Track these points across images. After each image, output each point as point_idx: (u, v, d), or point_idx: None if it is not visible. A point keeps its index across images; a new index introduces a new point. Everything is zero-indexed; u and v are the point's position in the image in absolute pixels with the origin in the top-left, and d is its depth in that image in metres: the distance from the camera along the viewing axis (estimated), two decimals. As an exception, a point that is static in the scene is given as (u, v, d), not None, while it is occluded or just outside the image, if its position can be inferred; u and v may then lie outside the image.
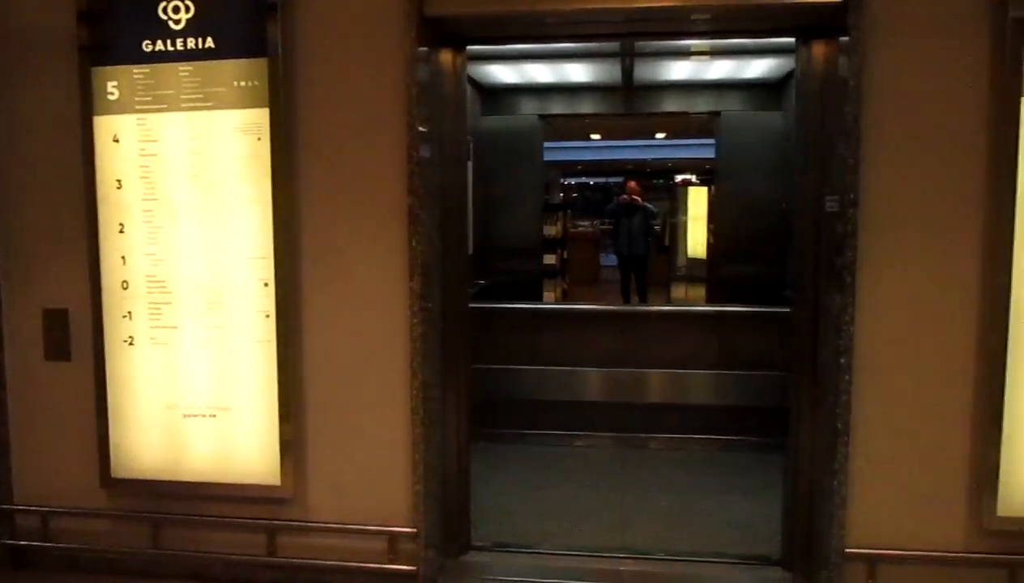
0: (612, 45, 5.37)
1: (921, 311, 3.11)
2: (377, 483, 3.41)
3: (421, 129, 3.23)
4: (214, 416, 3.40)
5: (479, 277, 6.68)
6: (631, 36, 4.34)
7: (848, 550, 3.18)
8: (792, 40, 3.47)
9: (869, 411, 3.15)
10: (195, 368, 3.39)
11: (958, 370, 3.11)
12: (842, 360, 3.11)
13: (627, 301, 10.74)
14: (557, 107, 7.10)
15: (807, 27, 3.35)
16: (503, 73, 6.47)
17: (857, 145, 3.05)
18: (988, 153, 3.01)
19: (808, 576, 3.47)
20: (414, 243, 3.25)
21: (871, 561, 3.18)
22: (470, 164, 5.71)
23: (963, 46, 3.02)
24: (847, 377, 3.12)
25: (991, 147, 3.00)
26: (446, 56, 3.55)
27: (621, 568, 3.68)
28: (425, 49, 3.29)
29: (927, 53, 3.03)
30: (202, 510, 3.50)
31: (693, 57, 5.91)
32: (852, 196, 3.05)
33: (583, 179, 24.54)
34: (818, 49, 3.34)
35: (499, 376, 5.58)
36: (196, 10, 3.25)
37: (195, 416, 3.42)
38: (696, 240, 11.29)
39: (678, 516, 4.37)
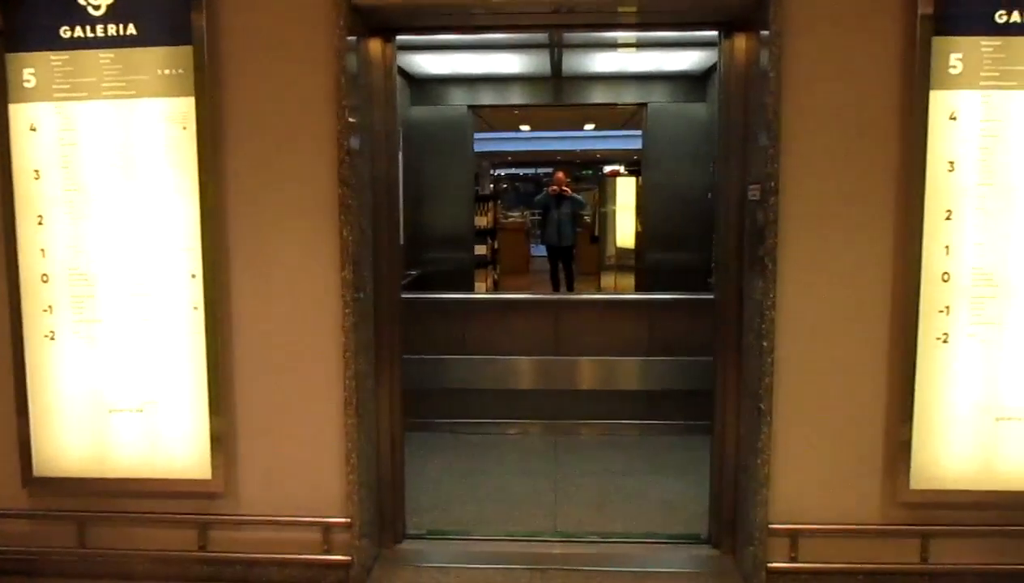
0: (540, 36, 5.41)
1: (839, 295, 3.24)
2: (310, 474, 3.40)
3: (351, 119, 3.23)
4: (141, 411, 3.34)
5: (411, 267, 6.68)
6: (558, 28, 4.39)
7: (772, 526, 3.31)
8: (715, 33, 3.56)
9: (790, 392, 3.27)
10: (121, 362, 3.33)
11: (873, 350, 3.25)
12: (764, 343, 3.22)
13: (556, 290, 10.86)
14: (487, 98, 7.11)
15: (729, 21, 3.44)
16: (433, 63, 6.45)
17: (777, 135, 3.15)
18: (901, 143, 3.15)
19: (735, 553, 3.60)
20: (345, 233, 3.24)
21: (793, 536, 3.31)
22: (401, 154, 5.70)
23: (877, 40, 3.14)
24: (769, 360, 3.23)
25: (904, 137, 3.14)
26: (375, 45, 3.54)
27: (554, 551, 3.76)
28: (354, 38, 3.28)
29: (843, 47, 3.15)
30: (130, 507, 3.44)
31: (620, 49, 5.99)
32: (773, 185, 3.16)
33: (513, 170, 24.63)
34: (739, 42, 3.45)
35: (432, 366, 5.59)
36: (117, -5, 3.17)
37: (121, 411, 3.35)
38: (625, 230, 11.45)
39: (610, 499, 4.46)
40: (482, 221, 10.73)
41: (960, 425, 3.19)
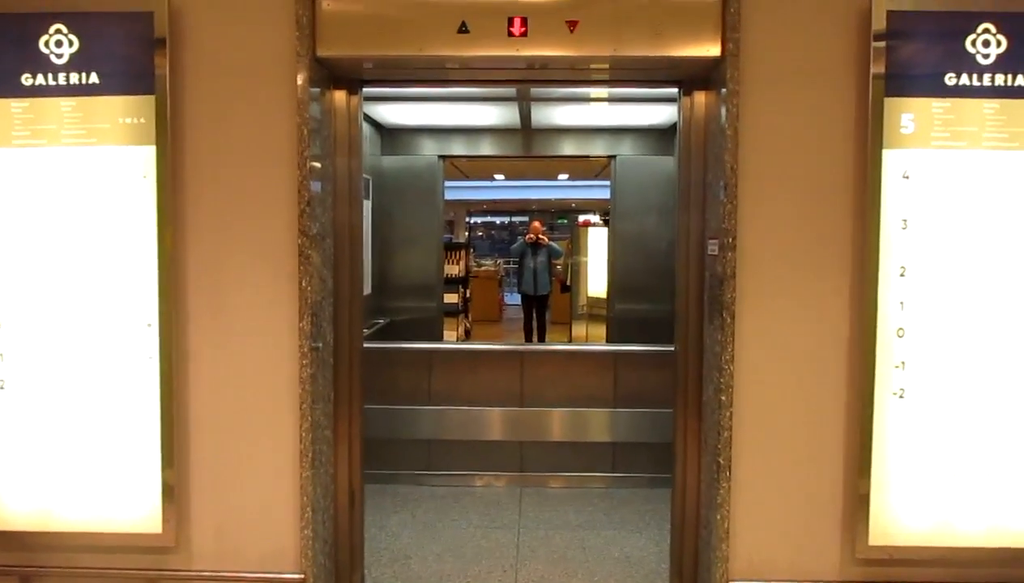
0: (509, 90, 5.49)
1: (797, 350, 3.26)
2: (263, 528, 3.33)
3: (313, 168, 3.23)
4: (90, 463, 3.27)
5: (378, 316, 6.66)
6: (530, 82, 4.45)
7: (731, 582, 3.27)
8: (676, 90, 3.62)
9: (749, 446, 3.27)
10: (71, 413, 3.26)
11: (831, 405, 3.26)
12: (723, 397, 3.23)
13: (528, 339, 10.87)
14: (457, 148, 7.17)
15: (688, 79, 3.51)
16: (403, 114, 6.51)
17: (734, 192, 3.19)
18: (856, 201, 3.20)
19: (695, 609, 3.56)
20: (304, 283, 3.22)
21: (753, 592, 3.29)
22: (368, 203, 5.73)
23: (832, 100, 3.21)
24: (728, 414, 3.23)
25: (858, 195, 3.19)
26: (340, 97, 3.56)
27: (514, 608, 3.70)
28: (317, 89, 3.30)
29: (799, 105, 3.21)
30: (78, 562, 3.34)
31: (590, 104, 6.08)
32: (730, 240, 3.19)
33: (489, 218, 24.81)
34: (699, 99, 3.51)
35: (397, 416, 5.54)
36: (80, 45, 3.17)
37: (70, 463, 3.28)
38: (597, 279, 11.52)
39: (572, 553, 4.41)
40: (454, 269, 10.75)
41: (917, 480, 3.20)
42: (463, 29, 3.21)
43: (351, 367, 3.62)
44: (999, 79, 3.11)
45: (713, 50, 3.20)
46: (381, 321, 6.62)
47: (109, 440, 3.26)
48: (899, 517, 3.21)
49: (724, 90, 3.21)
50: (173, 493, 3.26)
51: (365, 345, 3.70)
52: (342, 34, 3.23)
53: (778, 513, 3.30)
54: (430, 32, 3.21)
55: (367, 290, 5.43)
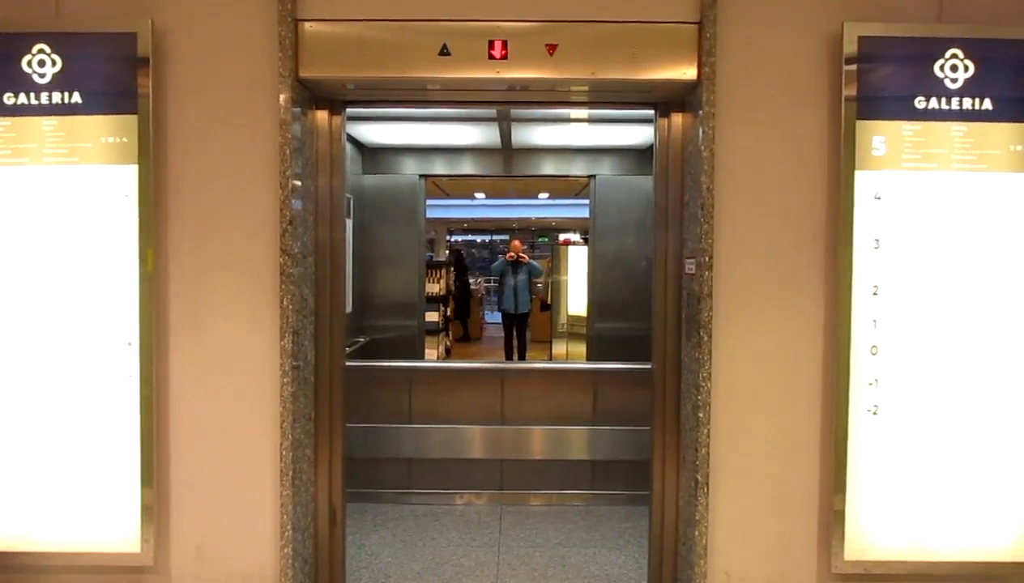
0: (489, 111, 5.54)
1: (773, 367, 3.31)
2: (244, 547, 3.33)
3: (295, 187, 3.26)
4: (69, 483, 3.25)
5: (360, 334, 6.66)
6: (508, 104, 4.49)
7: (710, 598, 3.31)
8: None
9: (726, 463, 3.31)
10: (50, 433, 3.25)
11: (807, 421, 3.32)
12: (700, 415, 3.27)
13: (509, 358, 10.90)
14: (438, 167, 7.23)
15: (665, 101, 3.57)
16: (384, 134, 6.56)
17: (711, 211, 3.25)
18: (829, 221, 3.27)
19: (674, 626, 3.58)
20: (285, 302, 3.24)
21: (731, 608, 3.32)
22: (349, 221, 5.74)
23: (805, 121, 3.29)
24: (705, 431, 3.27)
25: (832, 215, 3.26)
26: (322, 117, 3.60)
27: (494, 626, 3.70)
28: (299, 110, 3.34)
29: (773, 127, 3.29)
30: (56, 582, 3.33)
31: (569, 123, 6.15)
32: (707, 259, 3.25)
33: (470, 236, 24.85)
34: (676, 121, 3.58)
35: (379, 435, 5.53)
36: (63, 65, 3.19)
37: (49, 483, 3.26)
38: (577, 298, 11.58)
39: (552, 571, 4.41)
40: (435, 287, 10.77)
41: (892, 497, 3.25)
42: (444, 52, 3.26)
43: (332, 386, 3.63)
44: (967, 103, 3.20)
45: (689, 73, 3.27)
46: (362, 339, 6.62)
47: (88, 460, 3.25)
48: (874, 532, 3.26)
49: (701, 112, 3.27)
50: (152, 513, 3.25)
51: (346, 364, 3.72)
52: (324, 56, 3.27)
53: (755, 529, 3.34)
54: (412, 54, 3.26)
55: (348, 308, 5.43)
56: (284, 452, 3.27)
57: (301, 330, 3.35)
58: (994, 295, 3.22)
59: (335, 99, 3.60)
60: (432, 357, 9.81)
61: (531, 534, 5.02)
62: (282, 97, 3.22)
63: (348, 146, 6.03)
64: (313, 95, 3.49)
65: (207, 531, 3.33)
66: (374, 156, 7.11)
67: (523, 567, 4.48)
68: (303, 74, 3.27)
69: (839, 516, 3.25)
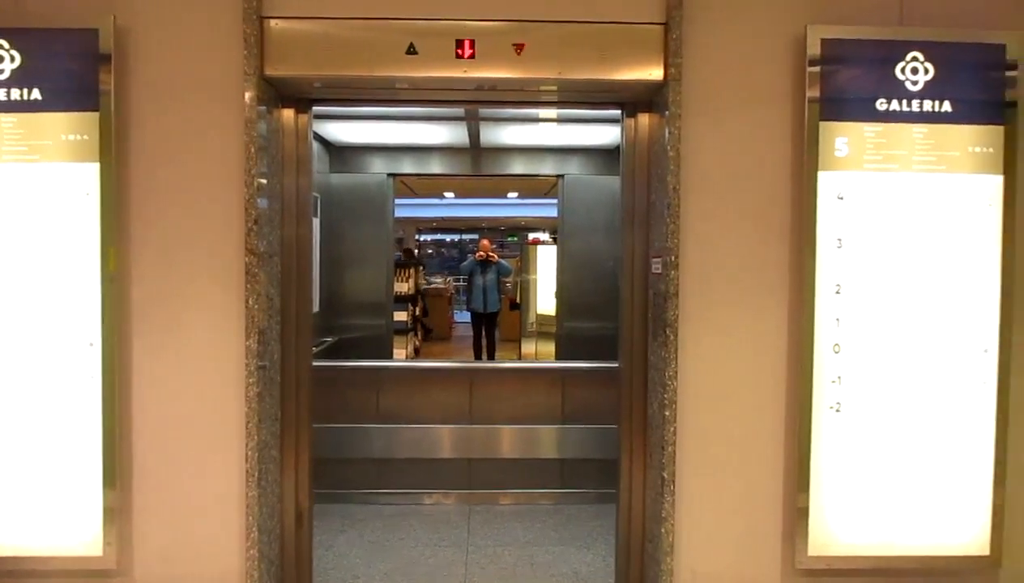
0: (458, 110, 5.54)
1: (738, 366, 3.34)
2: (209, 550, 3.30)
3: (260, 186, 3.23)
4: (28, 484, 3.20)
5: (328, 334, 6.63)
6: (476, 103, 4.49)
7: (676, 595, 3.34)
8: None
9: (693, 461, 3.34)
10: (9, 434, 3.19)
11: (771, 419, 3.35)
12: (667, 413, 3.29)
13: (478, 357, 10.90)
14: (407, 166, 7.21)
15: (632, 101, 3.59)
16: (352, 133, 6.53)
17: (677, 211, 3.28)
18: (793, 221, 3.31)
19: (641, 623, 3.60)
20: (250, 302, 3.21)
21: (698, 605, 3.35)
22: (317, 221, 5.71)
23: (770, 122, 3.33)
24: (672, 429, 3.30)
25: (796, 215, 3.30)
26: (289, 115, 3.57)
27: (462, 625, 3.70)
28: (265, 108, 3.31)
29: (739, 127, 3.32)
30: (15, 587, 3.27)
31: (538, 123, 6.16)
32: (673, 258, 3.27)
33: (439, 235, 24.79)
34: (642, 121, 3.59)
35: (347, 435, 5.51)
36: (22, 60, 3.14)
37: (8, 486, 3.20)
38: (546, 297, 11.61)
39: (521, 570, 4.43)
40: (403, 287, 10.73)
41: (854, 493, 3.30)
42: (412, 51, 3.25)
43: (299, 386, 3.60)
44: (927, 105, 3.25)
45: (656, 74, 3.29)
46: (330, 339, 6.59)
47: (50, 462, 3.19)
48: (837, 528, 3.30)
49: (667, 113, 3.29)
50: (114, 515, 3.21)
51: (314, 364, 3.69)
52: (290, 54, 3.25)
53: (721, 526, 3.37)
54: (379, 53, 3.25)
55: (316, 308, 5.40)
56: (250, 453, 3.24)
57: (267, 330, 3.33)
58: (953, 294, 3.28)
59: (301, 97, 3.57)
60: (401, 357, 9.78)
61: (500, 533, 5.03)
62: (247, 95, 3.19)
63: (315, 145, 6.00)
64: (279, 93, 3.47)
65: (171, 533, 3.29)
66: (342, 155, 7.08)
67: (492, 566, 4.48)
68: (269, 72, 3.24)
69: (803, 513, 3.29)
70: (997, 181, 3.27)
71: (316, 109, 3.69)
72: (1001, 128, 3.27)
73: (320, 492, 4.63)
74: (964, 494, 3.32)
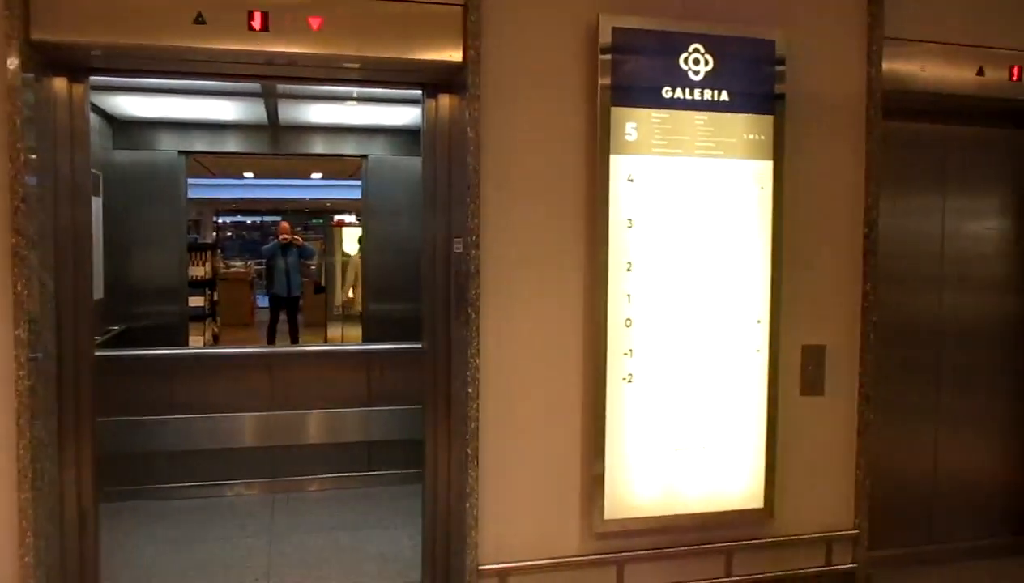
0: (254, 86, 5.32)
1: (538, 342, 3.45)
2: (-24, 559, 3.01)
3: (28, 161, 2.95)
4: None
5: (116, 322, 6.18)
6: (270, 79, 4.34)
7: (482, 567, 3.41)
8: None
9: (496, 436, 3.41)
10: None
11: (569, 392, 3.49)
12: (470, 390, 3.35)
13: (271, 342, 10.63)
14: (200, 144, 6.84)
15: (432, 82, 3.59)
16: (138, 106, 6.10)
17: (478, 192, 3.32)
18: (588, 202, 3.44)
19: (448, 597, 3.66)
20: (19, 288, 2.94)
21: (502, 575, 3.43)
22: (98, 200, 5.31)
23: (566, 106, 3.43)
24: (475, 406, 3.36)
25: (590, 196, 3.44)
26: (61, 84, 3.27)
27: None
28: (32, 76, 3.02)
29: (537, 110, 3.40)
30: None
31: (340, 102, 6.03)
32: (474, 238, 3.32)
33: (239, 218, 23.82)
34: (443, 102, 3.60)
35: (140, 428, 5.19)
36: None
37: None
38: (351, 279, 11.45)
39: (327, 555, 4.37)
40: (199, 271, 10.22)
41: (646, 458, 3.50)
42: (200, 20, 3.07)
43: (79, 378, 3.33)
44: (707, 94, 3.48)
45: (455, 56, 3.31)
46: (117, 328, 6.15)
47: None
48: (631, 492, 3.50)
49: (467, 95, 3.32)
50: None
51: (98, 354, 3.44)
52: (60, 17, 2.97)
53: (524, 497, 3.47)
54: (164, 21, 3.04)
55: (98, 294, 5.03)
56: (22, 452, 2.97)
57: (39, 318, 3.05)
58: (730, 270, 3.54)
59: (77, 66, 3.29)
60: (198, 344, 9.31)
61: (305, 520, 4.95)
62: (10, 61, 2.90)
63: (95, 118, 5.58)
64: (49, 60, 3.16)
65: (-70, 545, 2.98)
66: (128, 130, 6.59)
67: (296, 554, 4.40)
68: (36, 36, 2.95)
69: (599, 479, 3.46)
70: (768, 166, 3.57)
71: (96, 79, 3.42)
72: (771, 118, 3.56)
73: (111, 490, 4.34)
74: (741, 453, 3.62)
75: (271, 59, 3.23)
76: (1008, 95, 3.99)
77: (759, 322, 3.60)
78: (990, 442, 4.55)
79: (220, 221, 21.56)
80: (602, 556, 3.54)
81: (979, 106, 4.09)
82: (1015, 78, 3.96)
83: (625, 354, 3.46)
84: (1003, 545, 4.46)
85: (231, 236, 23.00)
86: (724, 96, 3.51)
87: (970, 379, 4.49)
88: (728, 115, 3.52)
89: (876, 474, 3.90)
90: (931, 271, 4.39)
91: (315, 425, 5.49)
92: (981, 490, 4.52)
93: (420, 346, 3.81)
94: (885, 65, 3.75)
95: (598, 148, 3.39)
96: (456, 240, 3.49)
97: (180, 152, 6.75)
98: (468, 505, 3.37)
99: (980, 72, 3.90)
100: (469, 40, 3.29)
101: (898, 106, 3.84)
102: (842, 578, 3.86)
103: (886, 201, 3.86)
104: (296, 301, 10.89)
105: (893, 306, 4.10)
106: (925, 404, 4.41)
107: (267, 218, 22.25)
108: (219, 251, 12.61)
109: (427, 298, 3.68)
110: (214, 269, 11.26)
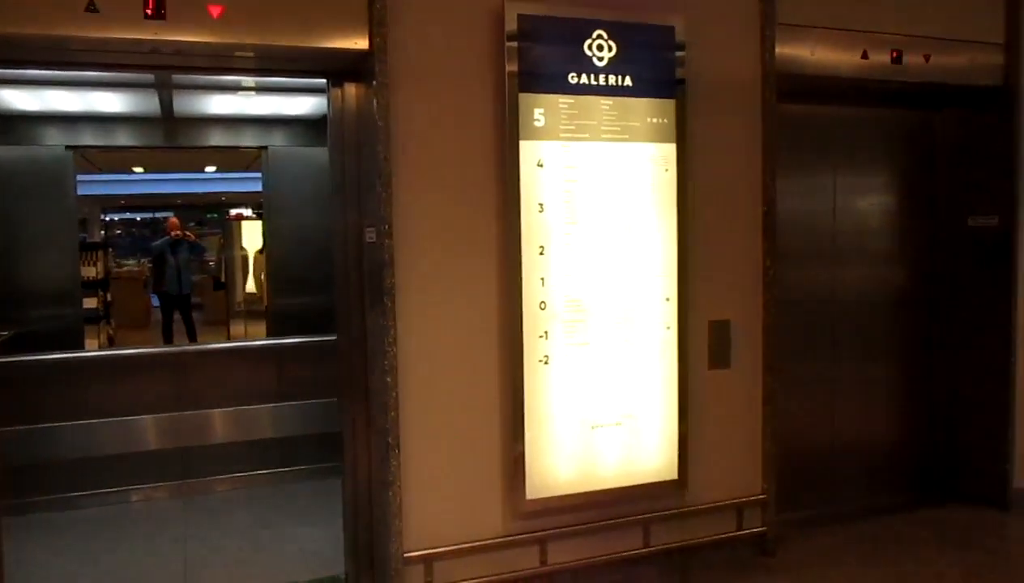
0: (146, 76, 5.13)
1: (454, 328, 3.48)
2: None
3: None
4: None
5: (4, 327, 5.88)
6: (167, 69, 4.19)
7: (407, 555, 3.42)
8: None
9: (416, 424, 3.43)
10: None
11: (488, 376, 3.54)
12: (388, 379, 3.34)
13: (168, 342, 10.31)
14: (88, 138, 6.53)
15: (338, 71, 3.54)
16: (19, 98, 5.79)
17: (389, 181, 3.31)
18: (499, 187, 3.48)
19: (374, 587, 3.66)
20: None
21: (428, 561, 3.46)
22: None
23: (474, 93, 3.47)
24: (394, 394, 3.36)
25: (501, 182, 3.47)
26: (-65, 77, 3.10)
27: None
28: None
29: (445, 98, 3.43)
30: None
31: (238, 92, 5.88)
32: (387, 227, 3.31)
33: (129, 215, 22.91)
34: (349, 91, 3.57)
35: (36, 437, 4.96)
36: None
37: None
38: (254, 274, 11.19)
39: (245, 555, 4.29)
40: (91, 271, 9.78)
41: (564, 437, 3.58)
42: (91, 8, 2.95)
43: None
44: (611, 79, 3.57)
45: (361, 43, 3.28)
46: (6, 333, 5.85)
47: None
48: (552, 471, 3.57)
49: (374, 83, 3.30)
50: None
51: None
52: (-64, 4, 2.81)
53: (447, 483, 3.50)
54: (52, 8, 2.91)
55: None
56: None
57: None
58: (640, 250, 3.65)
59: (-47, 57, 3.12)
60: (93, 347, 8.93)
61: (221, 521, 4.84)
62: None
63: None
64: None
65: None
66: (7, 124, 6.25)
67: (214, 557, 4.30)
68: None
69: (519, 460, 3.51)
70: (672, 149, 3.68)
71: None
72: (673, 102, 3.67)
73: (12, 503, 4.14)
74: (655, 427, 3.74)
75: (168, 48, 3.13)
76: (889, 77, 4.23)
77: (668, 300, 3.72)
78: (883, 406, 4.84)
79: (108, 219, 20.64)
80: (526, 535, 3.61)
81: (864, 88, 4.32)
82: (894, 60, 4.19)
83: (541, 336, 3.51)
84: (898, 502, 4.75)
85: (120, 234, 22.10)
86: (628, 81, 3.59)
87: (863, 347, 4.76)
88: (632, 100, 3.61)
89: (781, 441, 4.09)
90: (824, 246, 4.62)
91: (224, 424, 5.37)
92: (876, 451, 4.81)
93: (331, 338, 3.77)
94: (778, 49, 3.93)
95: (507, 134, 3.43)
96: (368, 230, 3.47)
97: (67, 147, 6.44)
98: (391, 494, 3.37)
99: (864, 55, 4.12)
100: (375, 28, 3.27)
101: (791, 89, 4.02)
102: (754, 541, 4.05)
103: (782, 180, 4.03)
104: (188, 299, 10.59)
105: (791, 280, 4.29)
106: (824, 373, 4.65)
107: (159, 214, 21.44)
108: (111, 250, 12.08)
109: (339, 289, 3.65)
110: (106, 269, 10.81)
